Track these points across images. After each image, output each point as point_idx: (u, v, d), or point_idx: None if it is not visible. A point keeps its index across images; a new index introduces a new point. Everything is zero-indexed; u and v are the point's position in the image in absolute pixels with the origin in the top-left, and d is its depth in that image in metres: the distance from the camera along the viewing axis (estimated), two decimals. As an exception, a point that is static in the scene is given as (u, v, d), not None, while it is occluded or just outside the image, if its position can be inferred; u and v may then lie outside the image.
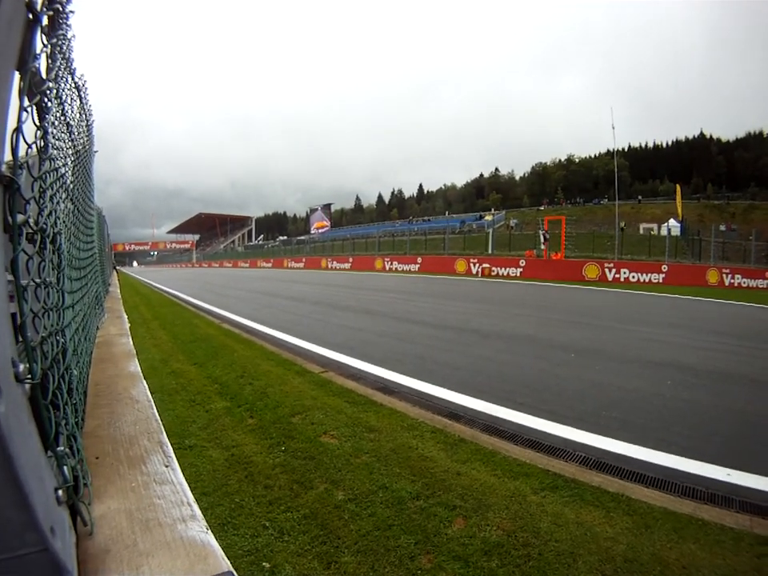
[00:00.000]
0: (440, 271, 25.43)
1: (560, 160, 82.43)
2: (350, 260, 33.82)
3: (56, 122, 1.16)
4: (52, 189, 0.95)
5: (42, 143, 0.78)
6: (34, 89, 0.70)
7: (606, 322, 8.15)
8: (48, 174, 0.86)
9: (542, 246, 24.60)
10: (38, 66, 0.69)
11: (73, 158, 1.79)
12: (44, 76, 0.80)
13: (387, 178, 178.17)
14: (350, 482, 2.36)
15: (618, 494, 2.28)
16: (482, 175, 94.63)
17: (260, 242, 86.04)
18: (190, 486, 0.92)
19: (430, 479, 2.40)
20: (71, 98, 1.66)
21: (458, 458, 2.66)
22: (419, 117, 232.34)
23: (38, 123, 0.75)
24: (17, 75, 0.61)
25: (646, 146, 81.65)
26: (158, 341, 6.36)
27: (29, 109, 0.66)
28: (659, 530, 1.99)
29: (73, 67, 1.63)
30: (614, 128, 28.13)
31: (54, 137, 1.03)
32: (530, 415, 3.31)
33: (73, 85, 1.73)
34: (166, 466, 0.98)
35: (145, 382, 1.60)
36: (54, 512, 0.59)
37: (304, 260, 41.11)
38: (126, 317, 3.74)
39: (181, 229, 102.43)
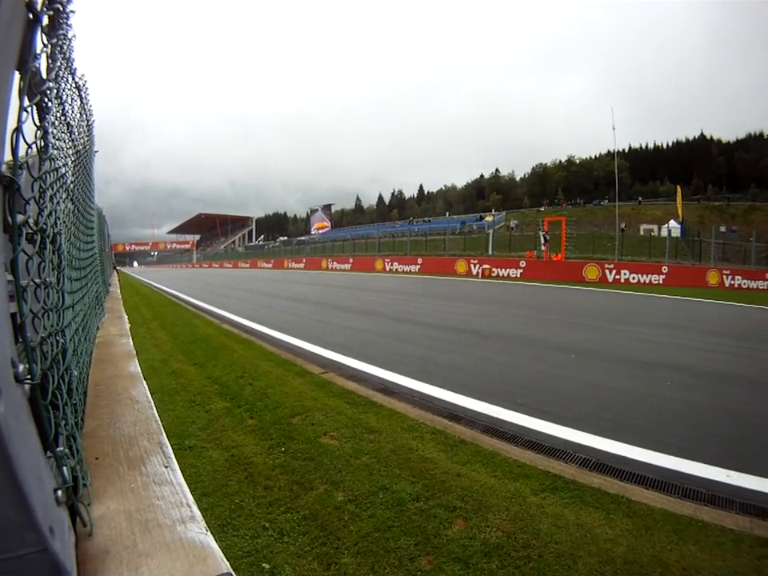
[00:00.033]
0: (440, 272, 25.43)
1: (560, 161, 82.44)
2: (351, 261, 33.84)
3: (56, 122, 1.16)
4: (52, 189, 0.95)
5: (42, 143, 0.78)
6: (34, 89, 0.70)
7: (605, 323, 8.14)
8: (48, 174, 0.86)
9: (543, 247, 24.61)
10: (38, 65, 0.69)
11: (73, 158, 1.79)
12: (44, 76, 0.80)
13: (387, 178, 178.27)
14: (350, 483, 2.36)
15: (617, 495, 2.28)
16: (482, 176, 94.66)
17: (260, 243, 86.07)
18: (189, 487, 0.92)
19: (430, 480, 2.40)
20: (72, 98, 1.66)
21: (458, 459, 2.66)
22: (419, 117, 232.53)
23: (38, 123, 0.75)
24: (17, 75, 0.61)
25: (647, 146, 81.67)
26: (158, 341, 6.36)
27: (29, 109, 0.66)
28: (659, 531, 1.99)
29: (73, 67, 1.63)
30: (614, 129, 28.21)
31: (54, 137, 1.03)
32: (530, 416, 3.31)
33: (73, 85, 1.73)
34: (166, 467, 0.97)
35: (145, 382, 1.60)
36: (54, 512, 0.59)
37: (304, 260, 41.14)
38: (126, 317, 3.74)
39: (181, 229, 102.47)
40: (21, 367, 0.54)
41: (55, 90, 1.07)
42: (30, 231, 0.72)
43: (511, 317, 8.75)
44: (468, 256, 26.96)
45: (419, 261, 27.95)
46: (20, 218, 0.61)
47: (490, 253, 29.03)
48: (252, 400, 3.66)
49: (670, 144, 79.46)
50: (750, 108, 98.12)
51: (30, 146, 0.68)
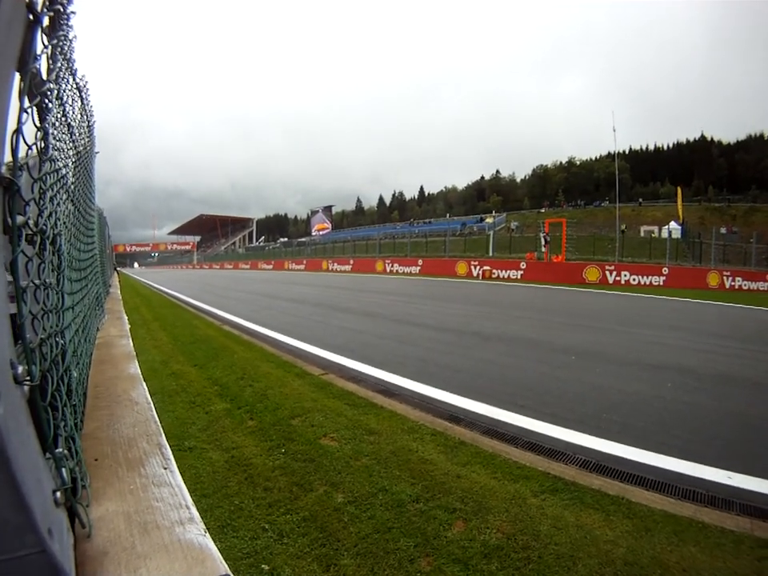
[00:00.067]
0: (441, 273, 25.43)
1: (561, 162, 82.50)
2: (351, 262, 33.86)
3: (57, 123, 1.16)
4: (52, 190, 0.95)
5: (43, 144, 0.78)
6: (34, 90, 0.70)
7: (606, 324, 8.14)
8: (48, 176, 0.87)
9: (543, 249, 24.62)
10: (38, 66, 0.69)
11: (74, 159, 1.79)
12: (44, 77, 0.81)
13: (388, 179, 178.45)
14: (350, 485, 2.36)
15: (618, 496, 2.27)
16: (482, 177, 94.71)
17: (261, 244, 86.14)
18: (189, 488, 0.92)
19: (430, 482, 2.39)
20: (72, 99, 1.67)
21: (458, 460, 2.65)
22: (419, 118, 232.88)
23: (38, 124, 0.75)
24: (17, 76, 0.61)
25: (647, 148, 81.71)
26: (159, 342, 6.36)
27: (29, 110, 0.66)
28: (659, 532, 1.98)
29: (74, 68, 1.63)
30: (614, 130, 28.22)
31: (54, 138, 1.03)
32: (530, 418, 3.30)
33: (74, 86, 1.73)
34: (165, 469, 0.97)
35: (144, 383, 1.60)
36: (52, 514, 0.59)
37: (305, 262, 41.16)
38: (127, 318, 3.74)
39: (182, 230, 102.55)
40: (20, 368, 0.54)
41: (56, 91, 1.07)
42: (30, 232, 0.72)
43: (512, 318, 8.74)
44: (468, 257, 26.97)
45: (420, 262, 27.96)
46: (20, 219, 0.61)
47: (491, 254, 29.06)
48: (252, 401, 3.66)
49: (671, 145, 79.54)
50: (750, 108, 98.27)
51: (30, 147, 0.68)
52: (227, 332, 7.10)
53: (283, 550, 1.85)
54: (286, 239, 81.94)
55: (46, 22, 0.76)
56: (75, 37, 1.31)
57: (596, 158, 78.97)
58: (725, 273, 20.14)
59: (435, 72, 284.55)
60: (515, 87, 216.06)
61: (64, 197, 1.33)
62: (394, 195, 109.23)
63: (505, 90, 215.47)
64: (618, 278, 20.08)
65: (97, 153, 3.56)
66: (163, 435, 1.14)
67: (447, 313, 9.42)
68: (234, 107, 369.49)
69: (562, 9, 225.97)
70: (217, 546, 0.74)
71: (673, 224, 34.88)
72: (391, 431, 3.06)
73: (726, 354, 5.69)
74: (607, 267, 20.64)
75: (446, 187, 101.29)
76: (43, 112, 0.79)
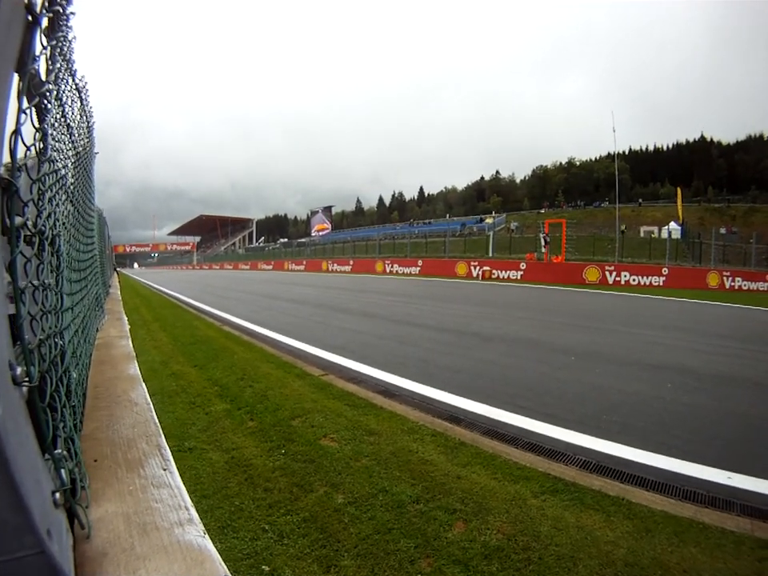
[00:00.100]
0: (440, 274, 25.43)
1: (561, 163, 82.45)
2: (351, 263, 33.87)
3: (56, 124, 1.16)
4: (51, 191, 0.95)
5: (42, 145, 0.78)
6: (33, 90, 0.70)
7: (606, 324, 8.13)
8: (47, 176, 0.86)
9: (543, 249, 24.62)
10: (37, 67, 0.69)
11: (73, 160, 1.79)
12: (43, 78, 0.80)
13: (388, 180, 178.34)
14: (350, 486, 2.36)
15: (618, 497, 2.27)
16: (482, 178, 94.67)
17: (261, 244, 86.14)
18: (189, 489, 0.92)
19: (430, 483, 2.39)
20: (72, 100, 1.67)
21: (459, 461, 2.65)
22: (419, 118, 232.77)
23: (37, 125, 0.75)
24: (16, 77, 0.61)
25: (647, 149, 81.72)
26: (159, 342, 6.36)
27: (28, 111, 0.66)
28: (660, 533, 1.98)
29: (74, 69, 1.63)
30: (614, 131, 28.18)
31: (53, 139, 1.03)
32: (530, 419, 3.30)
33: (73, 86, 1.73)
34: (164, 470, 0.97)
35: (144, 384, 1.60)
36: (51, 515, 0.59)
37: (305, 262, 41.17)
38: (126, 318, 3.74)
39: (182, 230, 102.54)
40: (18, 370, 0.54)
41: (55, 92, 1.07)
42: (29, 233, 0.72)
43: (513, 319, 8.74)
44: (468, 258, 26.97)
45: (419, 263, 27.96)
46: (18, 220, 0.61)
47: (491, 255, 29.07)
48: (252, 402, 3.66)
49: (671, 146, 79.53)
50: (750, 108, 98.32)
51: (28, 148, 0.68)
52: (227, 333, 7.10)
53: (283, 551, 1.85)
54: (285, 240, 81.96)
55: (45, 22, 0.76)
56: (75, 38, 1.31)
57: (596, 158, 79.01)
58: (725, 273, 20.14)
59: (435, 72, 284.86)
60: (515, 87, 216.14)
61: (63, 197, 1.33)
62: (393, 196, 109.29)
63: (505, 90, 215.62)
64: (617, 279, 20.09)
65: (96, 153, 3.56)
66: (163, 436, 1.13)
67: (447, 313, 9.42)
68: (234, 107, 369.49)
69: (562, 9, 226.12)
70: (217, 546, 0.74)
71: (672, 224, 34.90)
72: (391, 432, 3.06)
73: (726, 354, 5.69)
74: (607, 268, 20.64)
75: (445, 188, 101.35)
76: (42, 113, 0.79)
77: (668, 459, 2.68)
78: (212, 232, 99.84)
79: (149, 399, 1.42)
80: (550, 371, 4.65)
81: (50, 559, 0.51)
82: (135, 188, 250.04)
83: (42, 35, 0.72)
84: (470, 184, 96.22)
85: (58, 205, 1.09)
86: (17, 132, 0.58)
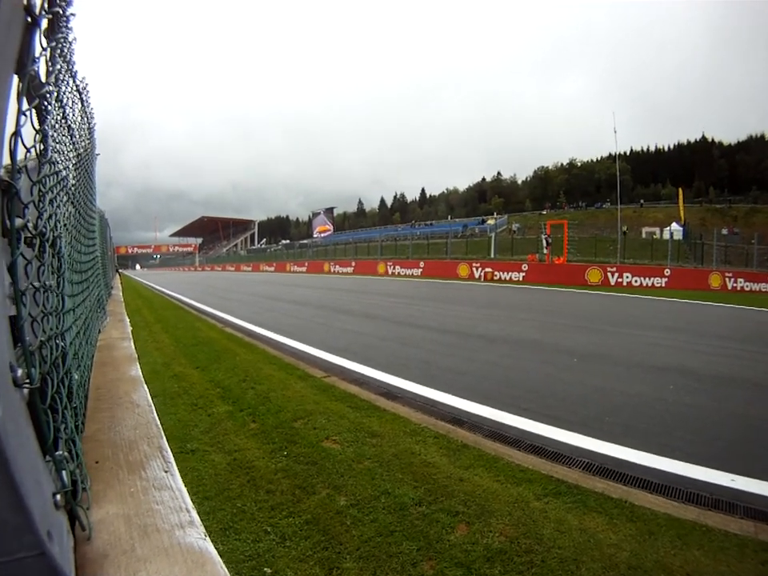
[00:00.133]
0: (442, 275, 25.41)
1: (562, 164, 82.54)
2: (353, 264, 33.88)
3: (57, 126, 1.16)
4: (52, 192, 0.95)
5: (42, 147, 0.78)
6: (32, 92, 0.70)
7: (609, 326, 8.11)
8: (48, 178, 0.86)
9: (545, 251, 24.62)
10: (36, 69, 0.69)
11: (74, 161, 1.79)
12: (43, 79, 0.80)
13: (389, 181, 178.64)
14: (352, 488, 2.35)
15: (621, 500, 2.26)
16: (484, 179, 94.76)
17: (263, 246, 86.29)
18: (191, 491, 0.92)
19: (433, 485, 2.38)
20: (72, 101, 1.67)
21: (461, 463, 2.64)
22: (420, 118, 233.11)
23: (37, 127, 0.75)
24: (15, 78, 0.61)
25: (648, 149, 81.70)
26: (160, 344, 6.36)
27: (27, 112, 0.66)
28: (663, 536, 1.97)
29: (74, 70, 1.63)
30: (615, 131, 28.20)
31: (54, 140, 1.03)
32: (533, 421, 3.29)
33: (74, 87, 1.74)
34: (166, 472, 0.97)
35: (146, 386, 1.60)
36: (52, 516, 0.59)
37: (307, 264, 41.20)
38: (128, 320, 3.75)
39: (184, 232, 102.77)
40: (19, 371, 0.54)
41: (55, 93, 1.07)
42: (30, 235, 0.71)
43: (516, 320, 8.72)
44: (470, 259, 26.97)
45: (421, 264, 27.95)
46: (19, 221, 0.61)
47: (492, 256, 29.07)
48: (254, 404, 3.66)
49: (672, 146, 79.53)
50: (750, 109, 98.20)
51: (29, 150, 0.68)
52: (229, 334, 7.10)
53: (285, 553, 1.84)
54: (287, 241, 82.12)
55: (44, 24, 0.76)
56: (75, 39, 1.32)
57: (597, 159, 79.11)
58: (726, 274, 20.07)
59: (435, 72, 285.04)
60: (516, 88, 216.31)
61: (64, 199, 1.33)
62: (395, 197, 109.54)
63: (505, 90, 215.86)
64: (619, 280, 20.04)
65: (97, 155, 3.57)
66: (164, 438, 1.13)
67: (449, 315, 9.41)
68: (234, 107, 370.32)
69: (562, 9, 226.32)
70: (219, 548, 0.74)
71: (674, 225, 34.84)
72: (394, 434, 3.05)
73: (728, 355, 5.67)
74: (609, 269, 20.58)
75: (447, 189, 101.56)
76: (42, 114, 0.79)
77: (671, 461, 2.67)
78: (214, 233, 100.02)
79: (150, 401, 1.42)
80: (553, 372, 4.64)
81: (51, 560, 0.51)
82: (137, 189, 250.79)
83: (42, 36, 0.72)
84: (471, 185, 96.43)
85: (59, 206, 1.09)
86: (17, 134, 0.58)
